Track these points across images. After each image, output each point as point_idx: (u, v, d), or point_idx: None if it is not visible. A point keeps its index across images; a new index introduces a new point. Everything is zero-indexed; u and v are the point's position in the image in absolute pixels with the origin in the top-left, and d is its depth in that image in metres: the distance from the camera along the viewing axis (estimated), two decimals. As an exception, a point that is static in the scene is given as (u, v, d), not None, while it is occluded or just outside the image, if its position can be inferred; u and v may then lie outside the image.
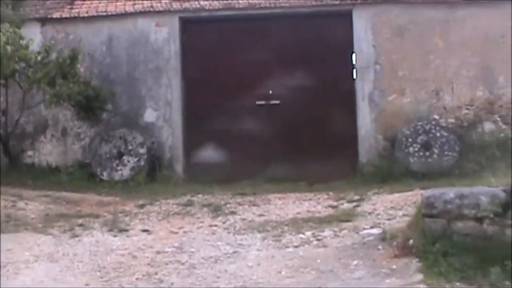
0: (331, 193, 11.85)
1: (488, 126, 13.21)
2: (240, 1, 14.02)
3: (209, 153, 13.91)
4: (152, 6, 14.26)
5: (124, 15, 14.33)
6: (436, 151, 12.56)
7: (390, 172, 12.52)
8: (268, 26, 14.31)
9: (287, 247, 8.54)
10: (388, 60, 13.56)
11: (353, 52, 13.81)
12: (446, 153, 12.55)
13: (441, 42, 13.54)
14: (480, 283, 7.21)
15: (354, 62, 13.81)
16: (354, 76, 13.77)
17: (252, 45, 14.22)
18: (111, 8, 14.36)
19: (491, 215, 7.50)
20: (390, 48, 13.60)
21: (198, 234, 9.41)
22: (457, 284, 7.19)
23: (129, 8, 14.34)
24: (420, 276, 7.30)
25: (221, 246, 8.71)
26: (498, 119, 12.52)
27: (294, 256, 8.11)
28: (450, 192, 7.78)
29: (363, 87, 13.59)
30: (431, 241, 7.68)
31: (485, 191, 7.77)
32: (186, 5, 14.16)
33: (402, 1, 13.72)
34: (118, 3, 14.40)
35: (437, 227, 7.73)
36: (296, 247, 8.53)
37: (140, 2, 14.34)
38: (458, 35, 13.54)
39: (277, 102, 13.92)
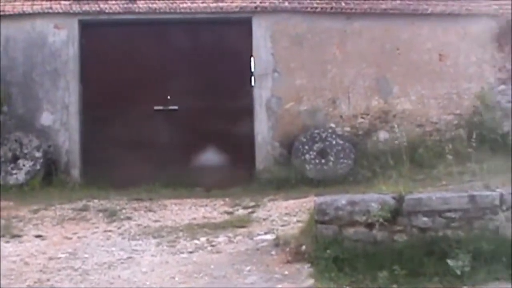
0: (227, 199, 11.86)
1: (382, 134, 13.56)
2: (141, 5, 13.85)
3: (106, 158, 13.65)
4: (51, 8, 13.87)
5: (22, 15, 13.89)
6: (332, 158, 12.76)
7: (287, 179, 12.63)
8: (168, 31, 14.19)
9: (182, 252, 8.50)
10: (286, 68, 13.70)
11: (251, 60, 13.86)
12: (341, 160, 12.78)
13: (338, 52, 13.79)
14: (369, 287, 7.37)
15: (252, 69, 13.86)
16: (253, 83, 13.81)
17: (152, 50, 14.10)
18: (8, 8, 13.88)
19: (381, 221, 7.69)
20: (288, 57, 13.74)
21: (93, 240, 9.25)
22: (347, 288, 7.34)
23: (27, 8, 13.90)
24: (311, 281, 7.39)
25: (115, 251, 8.59)
26: (392, 128, 12.80)
27: (188, 262, 8.08)
28: (342, 199, 7.92)
29: (261, 94, 13.68)
30: (323, 246, 7.78)
31: (375, 198, 7.93)
32: (86, 7, 13.86)
33: (301, 10, 13.89)
34: (16, 3, 13.94)
35: (329, 233, 7.85)
36: (190, 252, 8.51)
37: (39, 3, 13.91)
38: (355, 45, 13.85)
39: (175, 107, 13.83)
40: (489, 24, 14.46)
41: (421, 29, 14.08)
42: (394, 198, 7.92)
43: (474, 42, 14.42)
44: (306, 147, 12.87)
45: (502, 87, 14.65)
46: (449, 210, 7.87)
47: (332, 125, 13.54)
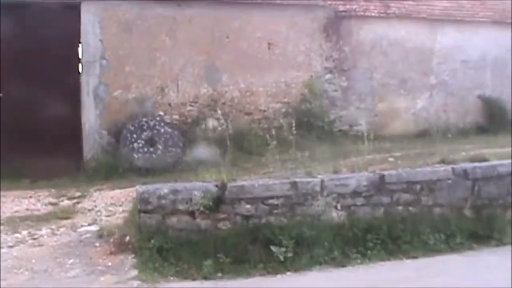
0: (53, 190, 11.36)
1: (211, 122, 13.53)
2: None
3: None
4: None
5: None
6: (160, 147, 12.57)
7: (115, 168, 12.29)
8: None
9: (1, 247, 8.04)
10: (114, 55, 13.30)
11: (79, 46, 13.35)
12: (170, 149, 12.62)
13: (168, 40, 13.58)
14: (194, 276, 7.29)
15: (80, 56, 13.36)
16: (80, 70, 13.32)
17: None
18: None
19: (203, 209, 7.62)
20: (117, 43, 13.35)
21: None
22: (171, 278, 7.23)
23: None
24: (135, 272, 7.23)
25: None
26: (221, 116, 12.78)
27: (8, 257, 7.69)
28: (164, 188, 7.79)
29: (89, 81, 13.20)
30: (146, 236, 7.63)
31: (198, 186, 7.87)
32: None
33: (131, -4, 13.53)
34: None
35: (152, 223, 7.71)
36: (10, 247, 8.10)
37: None
38: (185, 33, 13.69)
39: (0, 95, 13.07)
40: (317, 14, 14.83)
41: (251, 18, 14.17)
42: (216, 186, 7.89)
43: (302, 32, 14.74)
44: (134, 135, 12.59)
45: (329, 75, 15.09)
46: (272, 197, 7.96)
47: (161, 113, 13.35)
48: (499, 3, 17.45)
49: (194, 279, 7.24)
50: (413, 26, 15.96)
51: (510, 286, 6.65)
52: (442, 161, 9.24)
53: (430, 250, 8.08)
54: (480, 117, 16.48)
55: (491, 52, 16.90)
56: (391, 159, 10.87)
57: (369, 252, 7.87)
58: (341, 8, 15.08)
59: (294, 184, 8.08)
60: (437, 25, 16.19)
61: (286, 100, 14.46)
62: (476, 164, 9.09)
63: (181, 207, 7.68)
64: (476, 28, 16.69)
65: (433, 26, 16.16)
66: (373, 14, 15.42)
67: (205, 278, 7.27)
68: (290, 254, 7.57)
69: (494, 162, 9.26)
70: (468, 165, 8.98)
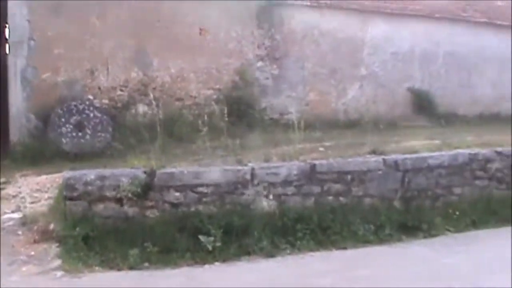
0: (-24, 175, 10.92)
1: (141, 108, 13.27)
2: None
3: None
4: None
5: None
6: (89, 131, 12.23)
7: (42, 153, 11.88)
8: None
9: None
10: (43, 36, 12.82)
11: (6, 26, 12.86)
12: (99, 134, 12.31)
13: (98, 22, 13.21)
14: (120, 266, 7.13)
15: (7, 36, 12.87)
16: (7, 51, 12.83)
17: None
18: None
19: (131, 196, 7.46)
20: (45, 25, 12.87)
21: None
22: (96, 268, 7.05)
23: None
24: (58, 262, 7.04)
25: None
26: (151, 101, 12.54)
27: None
28: (91, 174, 7.60)
29: (16, 63, 12.68)
30: (71, 224, 7.44)
31: (126, 172, 7.71)
32: None
33: (62, -24, 13.09)
34: None
35: (78, 210, 7.52)
36: None
37: None
38: (115, 16, 13.32)
39: None
40: (250, 1, 14.70)
41: (183, 2, 13.90)
42: (145, 172, 7.74)
43: (234, 18, 14.60)
44: (63, 119, 12.21)
45: (261, 63, 15.02)
46: (202, 185, 7.87)
47: (90, 97, 12.98)
48: (429, -3, 17.74)
49: (119, 269, 7.09)
50: (344, 17, 16.02)
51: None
52: (373, 152, 9.32)
53: (359, 241, 8.13)
54: (408, 108, 16.69)
55: (420, 45, 17.13)
56: (321, 149, 10.87)
57: (298, 242, 7.86)
58: (274, -5, 15.04)
59: (224, 172, 8.01)
60: (368, 16, 16.29)
61: (217, 86, 14.30)
62: (407, 155, 9.21)
63: (108, 194, 7.51)
64: (406, 21, 16.89)
65: (364, 18, 16.26)
66: (305, 4, 15.40)
67: (131, 268, 7.12)
68: (218, 244, 7.49)
69: (424, 154, 9.41)
70: (399, 157, 9.09)
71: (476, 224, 9.05)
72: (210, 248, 7.44)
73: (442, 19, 17.55)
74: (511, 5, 17.37)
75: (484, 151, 9.90)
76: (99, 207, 7.51)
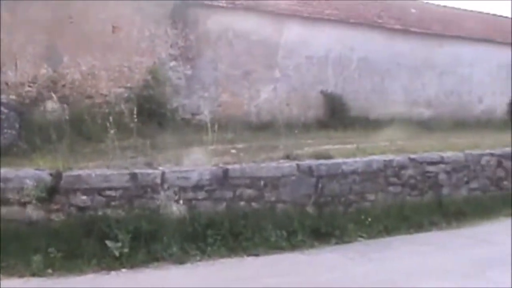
0: None
1: (50, 104, 12.80)
2: None
3: None
4: None
5: None
6: (-5, 128, 11.73)
7: None
8: None
9: None
10: None
11: None
12: (5, 130, 11.77)
13: (7, 16, 12.67)
14: (21, 273, 6.80)
15: None
16: None
17: None
18: None
19: (35, 200, 7.15)
20: (-49, 16, 12.31)
21: None
22: (-4, 276, 6.68)
23: None
24: None
25: None
26: (61, 98, 12.14)
27: None
28: (-7, 175, 7.23)
29: None
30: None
31: (31, 174, 7.38)
32: None
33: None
34: None
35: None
36: None
37: None
38: (26, 11, 12.70)
39: None
40: (164, 0, 14.48)
41: (96, -1, 13.56)
42: (51, 174, 7.43)
43: (148, 17, 14.33)
44: (-33, 115, 11.66)
45: (174, 63, 14.80)
46: (110, 188, 7.62)
47: (-4, 92, 12.47)
48: (345, 2, 17.92)
49: (21, 276, 6.75)
50: (260, 19, 15.99)
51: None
52: (287, 157, 9.28)
53: (271, 247, 8.03)
54: (322, 112, 16.81)
55: (335, 50, 17.30)
56: (233, 151, 10.76)
57: (209, 248, 7.70)
58: (189, -5, 14.86)
59: (133, 176, 7.79)
60: (283, 19, 16.33)
61: (129, 85, 13.99)
62: (321, 161, 9.20)
63: (11, 196, 7.15)
64: (322, 25, 17.01)
65: (280, 21, 16.28)
66: (220, 4, 15.28)
67: (33, 274, 6.80)
68: (126, 250, 7.26)
69: (339, 160, 9.42)
70: (313, 162, 9.08)
71: (388, 230, 9.11)
72: (117, 254, 7.19)
73: (357, 25, 17.79)
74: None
75: (398, 158, 10.02)
76: (2, 210, 7.14)
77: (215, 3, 15.19)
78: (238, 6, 15.56)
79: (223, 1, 15.35)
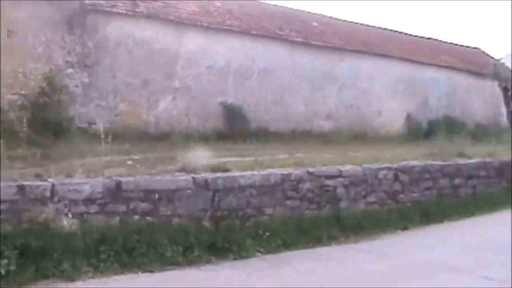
0: None
1: None
2: None
3: None
4: None
5: None
6: None
7: None
8: None
9: None
10: None
11: None
12: None
13: None
14: None
15: None
16: None
17: None
18: None
19: None
20: None
21: None
22: None
23: None
24: None
25: None
26: None
27: None
28: None
29: None
30: None
31: None
32: None
33: None
34: None
35: None
36: None
37: None
38: None
39: None
40: (61, 5, 14.06)
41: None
42: None
43: (44, 22, 13.89)
44: None
45: (71, 70, 14.39)
46: (-7, 202, 7.16)
47: None
48: (246, 13, 17.94)
49: None
50: (160, 28, 15.80)
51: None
52: (183, 169, 9.04)
53: (167, 263, 7.75)
54: (221, 123, 16.70)
55: (236, 61, 17.25)
56: (130, 162, 10.44)
57: (102, 264, 7.35)
58: (87, 1, 14.44)
59: (21, 188, 7.36)
60: (184, 28, 16.19)
61: (23, 92, 13.48)
62: (218, 174, 9.01)
63: None
64: (223, 35, 16.95)
65: (180, 30, 16.13)
66: (120, 11, 14.97)
67: None
68: (13, 267, 6.83)
69: (236, 174, 9.25)
70: (209, 175, 8.87)
71: (287, 245, 8.99)
72: (3, 272, 6.76)
73: (259, 36, 17.84)
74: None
75: (296, 171, 9.95)
76: None
77: (115, 9, 14.87)
78: (139, 14, 15.31)
79: (124, 8, 15.05)
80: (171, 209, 8.34)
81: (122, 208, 7.96)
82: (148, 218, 8.12)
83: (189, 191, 8.51)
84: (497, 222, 11.30)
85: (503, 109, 26.25)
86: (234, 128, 16.41)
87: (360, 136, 18.81)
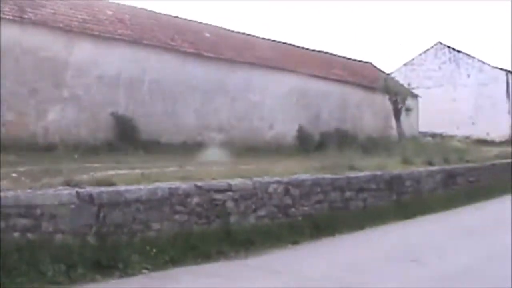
0: None
1: None
2: None
3: None
4: None
5: None
6: None
7: None
8: None
9: None
10: None
11: None
12: None
13: None
14: None
15: None
16: None
17: None
18: None
19: None
20: None
21: None
22: None
23: None
24: None
25: None
26: None
27: None
28: None
29: None
30: None
31: None
32: None
33: None
34: None
35: None
36: None
37: None
38: None
39: None
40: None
41: None
42: None
43: None
44: None
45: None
46: None
47: None
48: (139, 22, 17.72)
49: None
50: (49, 35, 15.36)
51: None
52: (67, 183, 8.70)
53: (48, 282, 7.42)
54: (112, 134, 16.38)
55: (127, 71, 16.98)
56: (14, 175, 10.02)
57: (-26, 287, 6.99)
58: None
59: None
60: (74, 37, 15.81)
61: None
62: (103, 188, 8.71)
63: None
64: (114, 44, 16.67)
65: (70, 38, 15.74)
66: (6, 17, 14.45)
67: None
68: None
69: (121, 188, 8.97)
70: (94, 190, 8.57)
71: (174, 261, 8.75)
72: None
73: (150, 46, 17.65)
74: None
75: (184, 186, 9.75)
76: None
77: (2, 15, 14.33)
78: (26, 20, 14.83)
79: (10, 14, 14.54)
80: (53, 225, 7.98)
81: (1, 224, 7.60)
82: (29, 235, 7.76)
83: (73, 206, 8.18)
84: (386, 234, 11.51)
85: (393, 122, 27.02)
86: (125, 139, 16.11)
87: (252, 148, 18.80)
